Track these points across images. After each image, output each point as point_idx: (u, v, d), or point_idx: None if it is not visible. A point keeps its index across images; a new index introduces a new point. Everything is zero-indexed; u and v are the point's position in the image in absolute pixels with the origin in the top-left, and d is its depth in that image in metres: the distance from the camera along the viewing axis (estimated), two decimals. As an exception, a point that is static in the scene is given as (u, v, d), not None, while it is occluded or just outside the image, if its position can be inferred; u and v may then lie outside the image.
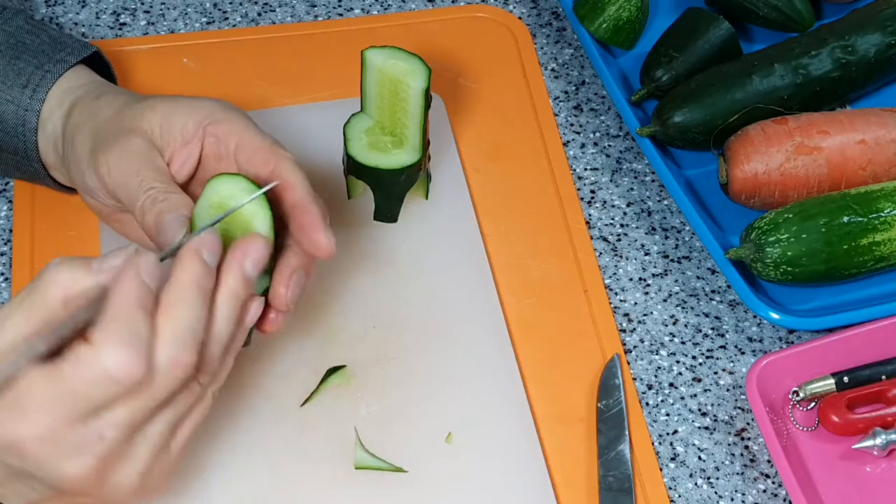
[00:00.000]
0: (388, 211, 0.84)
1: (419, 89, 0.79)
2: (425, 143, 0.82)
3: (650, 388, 0.85)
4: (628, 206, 0.94)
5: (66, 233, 0.86)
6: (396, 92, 0.80)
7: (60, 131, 0.80)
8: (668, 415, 0.84)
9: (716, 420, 0.84)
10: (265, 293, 0.71)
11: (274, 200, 0.71)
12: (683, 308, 0.89)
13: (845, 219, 0.85)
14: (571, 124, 0.99)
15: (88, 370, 0.59)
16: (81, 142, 0.77)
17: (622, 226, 0.93)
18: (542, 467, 0.79)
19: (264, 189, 0.69)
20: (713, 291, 0.90)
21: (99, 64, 0.86)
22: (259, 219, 0.69)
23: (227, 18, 1.02)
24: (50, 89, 0.80)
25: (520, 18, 1.05)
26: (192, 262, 0.63)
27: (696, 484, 0.81)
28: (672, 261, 0.91)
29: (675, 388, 0.85)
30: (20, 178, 0.86)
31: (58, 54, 0.81)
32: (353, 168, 0.83)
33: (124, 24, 1.01)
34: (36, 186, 0.88)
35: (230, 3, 1.03)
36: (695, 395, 0.85)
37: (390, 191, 0.83)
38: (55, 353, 0.60)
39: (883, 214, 0.85)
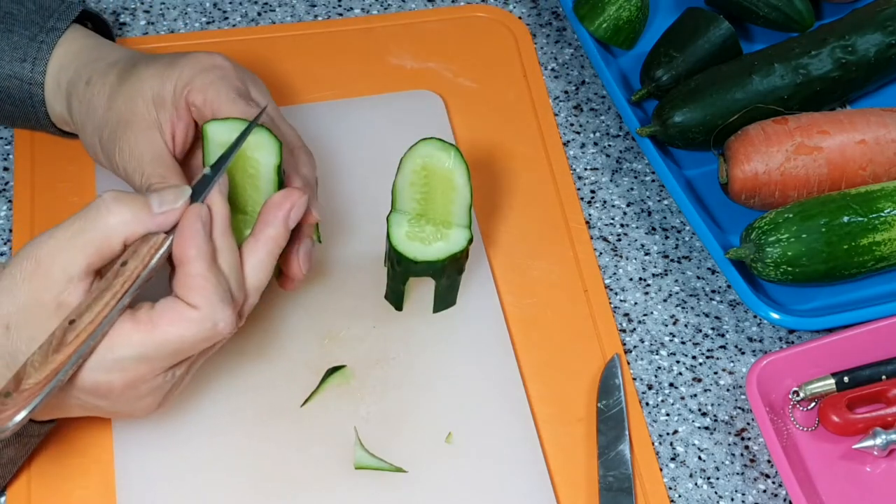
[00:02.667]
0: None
1: (270, 165, 0.73)
2: None
3: (650, 388, 0.85)
4: (628, 206, 0.94)
5: (66, 233, 0.86)
6: (246, 168, 0.74)
7: (68, 115, 0.82)
8: (668, 415, 0.84)
9: (716, 420, 0.84)
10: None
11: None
12: (683, 308, 0.89)
13: (845, 219, 0.85)
14: (571, 124, 0.99)
15: (196, 327, 0.65)
16: (88, 139, 0.80)
17: (622, 226, 0.93)
18: (542, 467, 0.79)
19: (252, 124, 0.72)
20: (713, 291, 0.90)
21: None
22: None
23: (227, 18, 1.02)
24: (48, 62, 0.81)
25: (520, 18, 1.05)
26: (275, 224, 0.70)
27: (696, 484, 0.81)
28: (672, 261, 0.91)
29: (676, 388, 0.85)
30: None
31: (47, 22, 0.82)
32: None
33: (124, 24, 1.01)
34: (36, 188, 0.88)
35: (230, 3, 1.03)
36: (695, 395, 0.85)
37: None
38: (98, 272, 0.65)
39: (883, 214, 0.85)
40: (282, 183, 0.74)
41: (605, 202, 0.94)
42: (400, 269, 0.80)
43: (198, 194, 0.68)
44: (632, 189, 0.95)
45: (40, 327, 0.64)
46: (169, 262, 0.67)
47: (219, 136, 0.72)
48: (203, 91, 0.76)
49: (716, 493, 0.80)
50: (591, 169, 0.96)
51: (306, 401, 0.80)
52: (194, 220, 0.66)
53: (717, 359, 0.87)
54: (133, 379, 0.66)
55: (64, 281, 0.64)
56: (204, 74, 0.77)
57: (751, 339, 0.88)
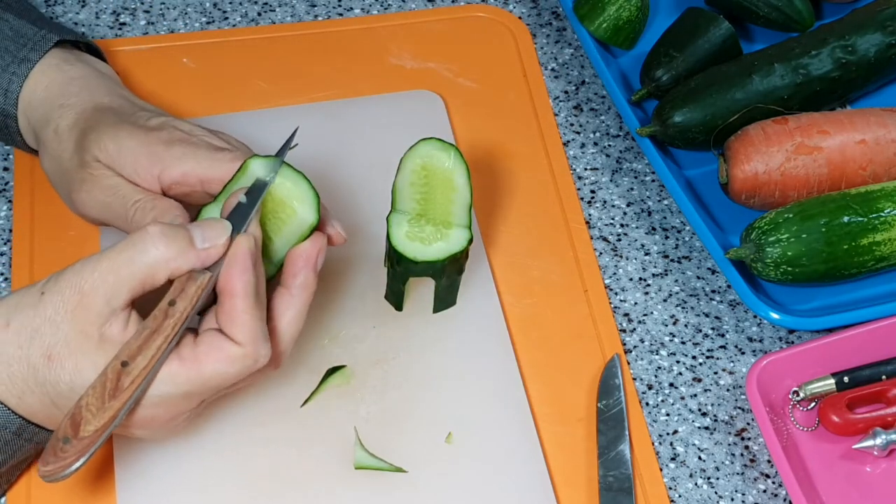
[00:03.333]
0: None
1: (307, 223, 0.72)
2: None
3: (650, 388, 0.85)
4: (628, 206, 0.94)
5: (66, 233, 0.86)
6: (277, 212, 0.73)
7: (37, 148, 0.82)
8: (668, 415, 0.84)
9: (716, 420, 0.84)
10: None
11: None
12: (683, 308, 0.89)
13: (845, 219, 0.85)
14: (571, 124, 0.99)
15: (240, 364, 0.66)
16: (57, 184, 0.80)
17: (622, 226, 0.93)
18: (542, 467, 0.79)
19: (277, 168, 0.71)
20: (713, 291, 0.90)
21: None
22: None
23: (227, 18, 1.02)
24: (19, 94, 0.81)
25: (520, 18, 1.05)
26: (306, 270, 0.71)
27: (696, 484, 0.81)
28: (672, 261, 0.91)
29: (676, 388, 0.85)
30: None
31: (20, 51, 0.81)
32: None
33: (124, 23, 1.01)
34: (36, 187, 0.88)
35: (230, 3, 1.03)
36: (695, 395, 0.85)
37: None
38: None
39: (883, 214, 0.85)
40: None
41: (605, 202, 0.94)
42: (400, 269, 0.80)
43: (235, 223, 0.68)
44: (632, 189, 0.95)
45: (84, 358, 0.64)
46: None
47: (256, 170, 0.71)
48: (179, 166, 0.74)
49: (716, 493, 0.80)
50: (591, 169, 0.96)
51: (306, 401, 0.80)
52: (245, 253, 0.67)
53: (717, 359, 0.87)
54: (175, 413, 0.67)
55: (107, 313, 0.64)
56: (166, 148, 0.75)
57: (751, 339, 0.88)
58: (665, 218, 0.94)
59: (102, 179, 0.76)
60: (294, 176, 0.71)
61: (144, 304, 0.67)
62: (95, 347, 0.64)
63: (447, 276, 0.81)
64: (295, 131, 0.74)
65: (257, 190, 0.70)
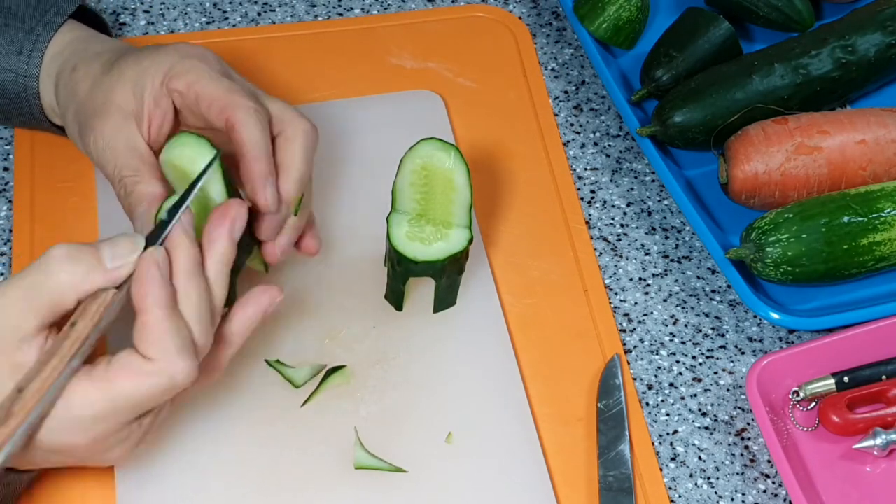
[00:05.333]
0: None
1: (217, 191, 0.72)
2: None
3: (650, 388, 0.85)
4: (628, 206, 0.94)
5: (66, 233, 0.86)
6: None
7: (56, 102, 0.81)
8: (668, 415, 0.84)
9: (716, 420, 0.84)
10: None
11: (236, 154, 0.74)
12: (683, 308, 0.89)
13: (845, 219, 0.85)
14: (571, 124, 0.99)
15: (152, 381, 0.63)
16: (69, 124, 0.80)
17: (622, 226, 0.93)
18: (542, 467, 0.79)
19: (210, 162, 0.70)
20: (713, 291, 0.90)
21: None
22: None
23: (227, 18, 1.02)
24: (44, 54, 0.81)
25: (520, 18, 1.05)
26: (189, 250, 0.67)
27: (696, 484, 0.81)
28: (672, 261, 0.91)
29: (676, 388, 0.85)
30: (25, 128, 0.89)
31: (45, 16, 0.82)
32: None
33: (124, 23, 1.01)
34: (36, 188, 0.88)
35: (230, 3, 1.03)
36: (695, 395, 0.85)
37: None
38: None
39: (883, 214, 0.85)
40: (232, 189, 0.73)
41: (605, 202, 0.94)
42: (400, 269, 0.80)
43: (155, 239, 0.66)
44: (632, 189, 0.95)
45: None
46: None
47: (179, 160, 0.72)
48: (184, 76, 0.75)
49: (716, 493, 0.80)
50: (591, 169, 0.96)
51: (306, 401, 0.80)
52: (149, 265, 0.64)
53: (717, 359, 0.87)
54: (96, 436, 0.64)
55: (16, 341, 0.62)
56: (184, 61, 0.76)
57: (751, 339, 0.88)
58: (665, 218, 0.94)
59: (112, 124, 0.75)
60: (191, 141, 0.72)
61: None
62: (8, 377, 0.62)
63: (447, 276, 0.81)
64: (214, 158, 0.72)
65: (180, 201, 0.68)
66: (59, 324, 0.64)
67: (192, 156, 0.72)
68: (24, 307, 0.62)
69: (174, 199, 0.70)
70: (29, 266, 0.64)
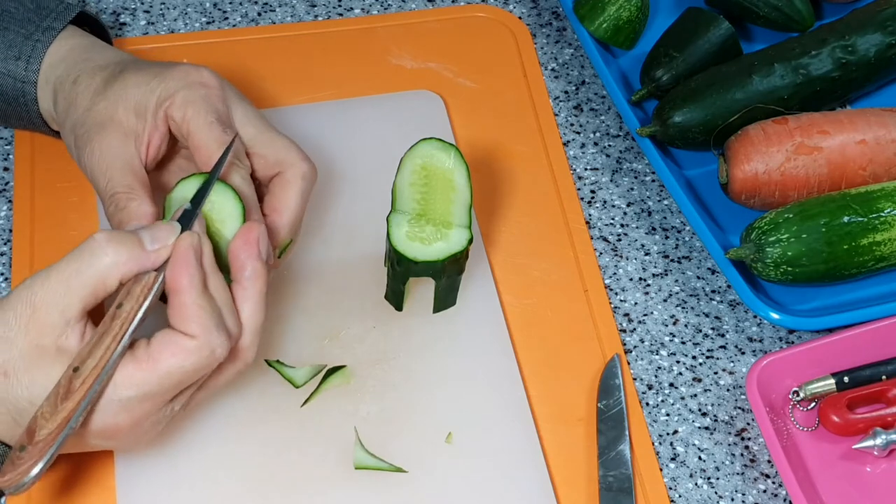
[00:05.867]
0: None
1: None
2: None
3: (650, 388, 0.85)
4: (628, 206, 0.94)
5: (66, 233, 0.86)
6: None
7: (54, 111, 0.82)
8: (668, 415, 0.84)
9: (716, 420, 0.84)
10: None
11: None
12: (683, 308, 0.89)
13: (845, 219, 0.85)
14: (571, 124, 0.99)
15: (195, 356, 0.65)
16: (66, 134, 0.80)
17: (622, 226, 0.93)
18: (542, 467, 0.79)
19: (227, 149, 0.72)
20: (713, 291, 0.90)
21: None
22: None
23: (227, 18, 1.02)
24: (42, 60, 0.81)
25: (520, 18, 1.05)
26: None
27: (696, 484, 0.81)
28: (672, 261, 0.91)
29: (676, 388, 0.85)
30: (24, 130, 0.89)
31: (44, 21, 0.82)
32: None
33: (124, 23, 1.01)
34: (36, 188, 0.89)
35: (230, 3, 1.03)
36: (695, 395, 0.85)
37: None
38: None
39: (883, 214, 0.85)
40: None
41: (605, 202, 0.94)
42: (400, 270, 0.80)
43: (185, 226, 0.69)
44: (632, 189, 0.95)
45: (41, 372, 0.64)
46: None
47: (183, 192, 0.73)
48: (183, 108, 0.76)
49: (716, 493, 0.80)
50: (591, 169, 0.96)
51: (306, 401, 0.80)
52: (187, 248, 0.67)
53: (717, 359, 0.87)
54: (138, 417, 0.67)
55: (62, 325, 0.65)
56: (188, 90, 0.76)
57: (751, 339, 0.88)
58: (665, 218, 0.94)
59: (109, 141, 0.76)
60: (222, 190, 0.72)
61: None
62: (52, 361, 0.64)
63: (447, 276, 0.81)
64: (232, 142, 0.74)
65: (200, 194, 0.71)
66: (94, 313, 0.67)
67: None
68: (69, 291, 0.65)
69: (186, 189, 0.72)
70: (70, 253, 0.66)
